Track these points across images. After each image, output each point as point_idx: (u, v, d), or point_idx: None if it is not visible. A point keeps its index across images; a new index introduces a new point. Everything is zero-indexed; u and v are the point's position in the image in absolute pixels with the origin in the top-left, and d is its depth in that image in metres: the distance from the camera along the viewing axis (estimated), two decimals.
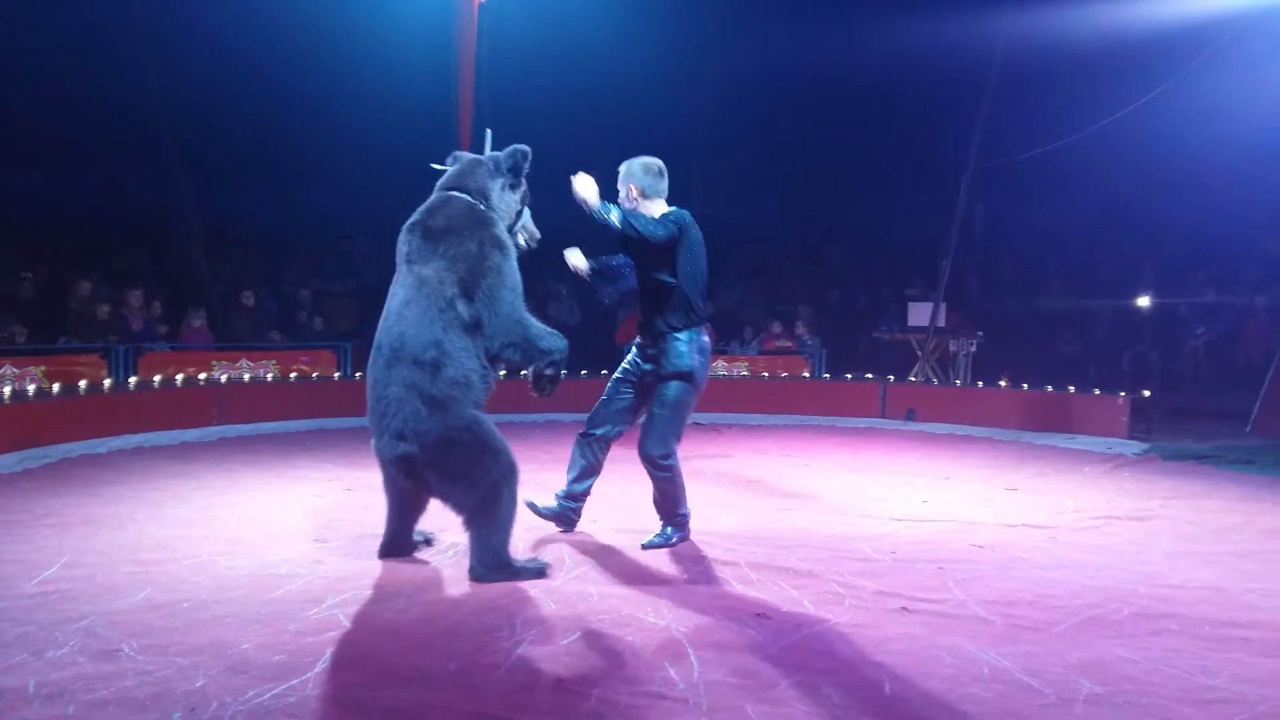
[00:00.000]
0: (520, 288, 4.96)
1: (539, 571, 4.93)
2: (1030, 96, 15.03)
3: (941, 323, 13.11)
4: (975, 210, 17.46)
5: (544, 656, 3.84)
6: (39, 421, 8.94)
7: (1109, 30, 13.33)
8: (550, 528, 5.93)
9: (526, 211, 5.29)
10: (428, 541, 5.47)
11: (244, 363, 11.96)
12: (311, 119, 17.41)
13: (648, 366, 5.57)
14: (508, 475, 4.79)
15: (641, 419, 5.66)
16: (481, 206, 5.01)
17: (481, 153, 5.33)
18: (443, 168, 5.35)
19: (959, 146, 13.30)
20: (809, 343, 14.33)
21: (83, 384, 9.94)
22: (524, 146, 5.14)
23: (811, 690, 3.56)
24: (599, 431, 5.72)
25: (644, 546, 5.57)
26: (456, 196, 5.02)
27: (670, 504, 5.64)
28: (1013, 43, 12.80)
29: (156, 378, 10.76)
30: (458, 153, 5.37)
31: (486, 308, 4.80)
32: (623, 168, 5.54)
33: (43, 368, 10.34)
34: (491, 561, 4.81)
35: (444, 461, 4.73)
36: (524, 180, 5.20)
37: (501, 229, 5.02)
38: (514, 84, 14.00)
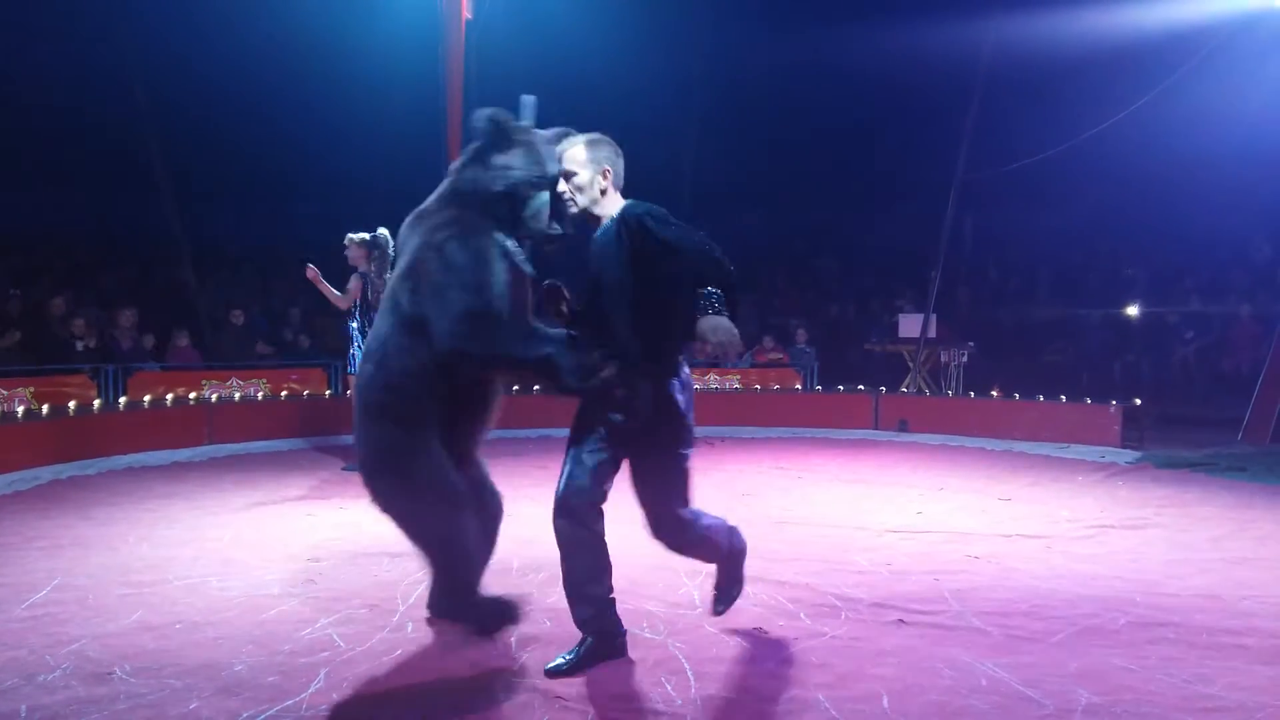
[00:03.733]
0: (490, 286, 3.82)
1: (504, 615, 4.03)
2: (1017, 106, 15.12)
3: (932, 334, 13.14)
4: (964, 220, 17.52)
5: (541, 674, 3.82)
6: (28, 443, 8.88)
7: (1095, 40, 13.41)
8: (542, 540, 5.89)
9: (540, 197, 4.04)
10: None
11: (234, 382, 11.92)
12: (299, 137, 17.41)
13: None
14: (450, 508, 3.93)
15: None
16: (455, 188, 4.06)
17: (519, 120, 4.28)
18: None
19: (947, 157, 13.35)
20: (806, 351, 14.33)
21: (72, 405, 9.89)
22: (486, 110, 4.06)
23: (809, 705, 3.55)
24: None
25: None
26: (445, 181, 4.18)
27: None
28: (999, 52, 12.87)
29: (146, 398, 10.71)
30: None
31: (431, 305, 3.82)
32: (581, 147, 4.05)
33: (31, 389, 10.28)
34: (449, 604, 4.13)
35: (377, 486, 4.00)
36: (520, 155, 4.02)
37: (471, 215, 3.96)
38: (502, 100, 14.03)
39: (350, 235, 8.75)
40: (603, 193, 4.04)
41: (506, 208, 3.98)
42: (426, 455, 3.89)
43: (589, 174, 4.01)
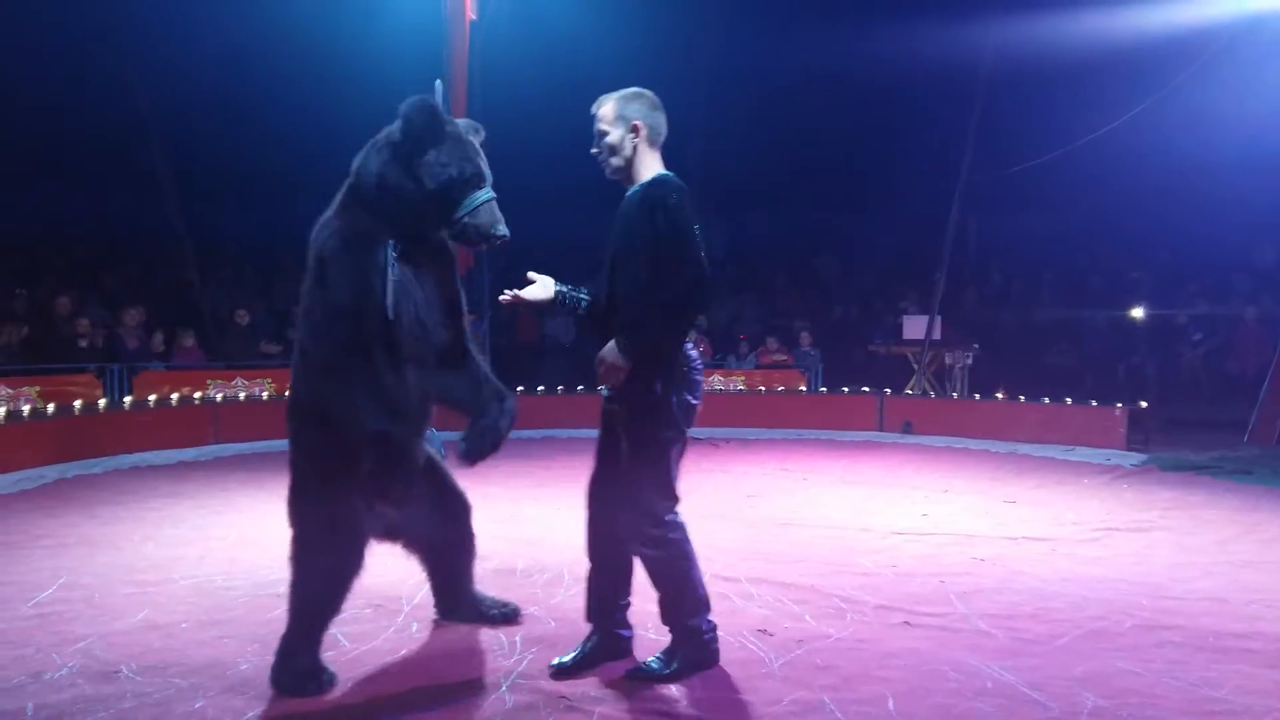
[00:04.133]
0: (353, 321, 3.49)
1: (318, 682, 3.68)
2: (1022, 107, 15.09)
3: (937, 335, 13.12)
4: (968, 222, 17.50)
5: (545, 674, 3.82)
6: (34, 442, 8.90)
7: (1099, 41, 13.38)
8: (547, 541, 5.90)
9: (476, 197, 3.59)
10: (504, 616, 4.46)
11: (239, 381, 11.93)
12: (302, 137, 17.41)
13: None
14: (308, 547, 3.82)
15: None
16: (356, 189, 3.68)
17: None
18: None
19: (951, 158, 13.33)
20: (811, 354, 14.33)
21: (78, 404, 9.90)
22: (416, 98, 3.56)
23: (814, 707, 3.54)
24: None
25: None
26: (346, 181, 3.76)
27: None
28: (1004, 55, 12.85)
29: (152, 397, 10.72)
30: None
31: (307, 335, 3.72)
32: (612, 103, 3.82)
33: (37, 388, 10.30)
34: (278, 650, 3.76)
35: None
36: (450, 150, 3.56)
37: (366, 224, 3.57)
38: (506, 101, 14.03)
39: None
40: (635, 150, 3.79)
41: (435, 209, 3.57)
42: (314, 488, 3.84)
43: (620, 132, 3.77)
